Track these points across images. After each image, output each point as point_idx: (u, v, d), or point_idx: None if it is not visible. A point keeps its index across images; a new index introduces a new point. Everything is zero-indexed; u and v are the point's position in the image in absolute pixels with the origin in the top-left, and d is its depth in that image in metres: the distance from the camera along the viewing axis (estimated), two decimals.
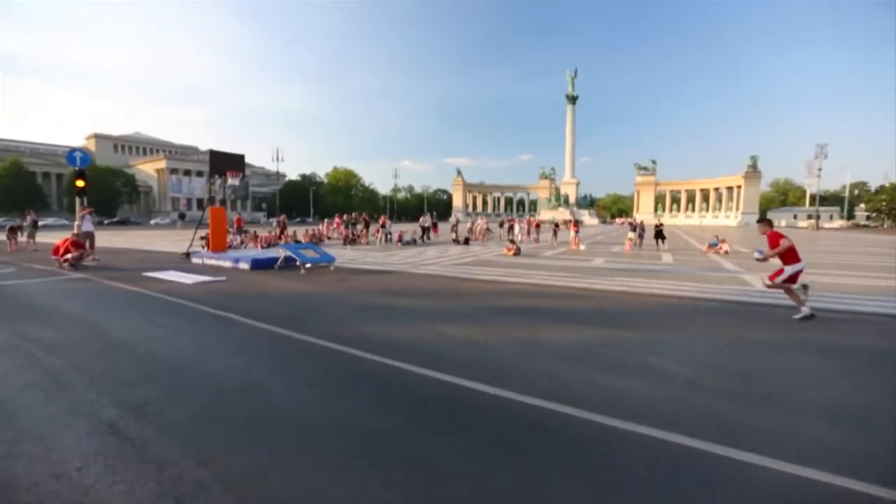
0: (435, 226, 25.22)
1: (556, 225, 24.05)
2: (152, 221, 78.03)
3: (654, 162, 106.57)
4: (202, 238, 17.07)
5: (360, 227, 23.10)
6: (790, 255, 6.40)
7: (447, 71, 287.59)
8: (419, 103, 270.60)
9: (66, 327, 5.52)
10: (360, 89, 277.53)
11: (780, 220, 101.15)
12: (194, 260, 12.75)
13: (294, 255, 10.83)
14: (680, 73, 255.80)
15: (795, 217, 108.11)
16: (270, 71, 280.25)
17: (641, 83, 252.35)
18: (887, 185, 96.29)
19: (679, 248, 21.20)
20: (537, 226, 25.35)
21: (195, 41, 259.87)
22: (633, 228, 20.65)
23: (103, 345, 4.72)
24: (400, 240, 21.12)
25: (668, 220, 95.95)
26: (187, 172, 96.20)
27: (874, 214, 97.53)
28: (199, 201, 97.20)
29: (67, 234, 13.11)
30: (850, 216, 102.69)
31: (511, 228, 26.59)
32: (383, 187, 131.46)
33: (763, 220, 7.16)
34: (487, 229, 26.54)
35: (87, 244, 12.88)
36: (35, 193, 77.74)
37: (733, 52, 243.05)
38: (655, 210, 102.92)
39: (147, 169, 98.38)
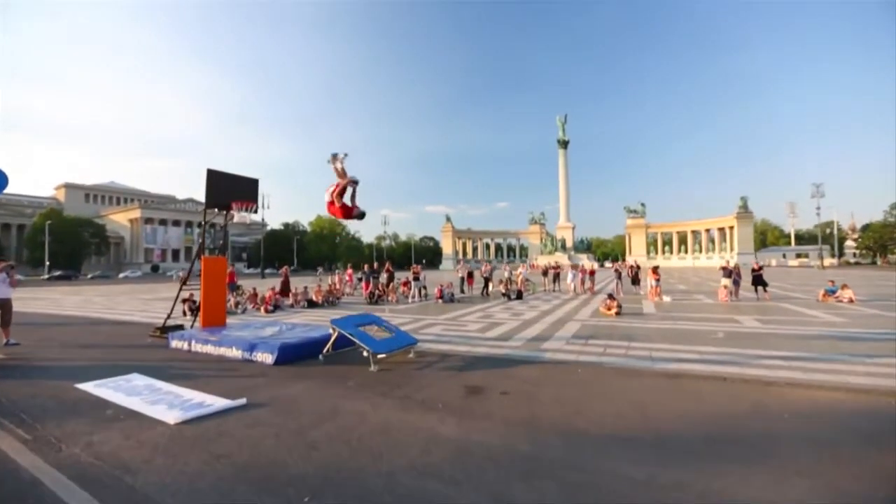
0: (470, 276, 20.82)
1: (618, 272, 19.98)
2: (121, 275, 70.94)
3: (643, 205, 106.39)
4: (184, 301, 12.22)
5: (382, 278, 18.48)
6: None
7: (423, 122, 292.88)
8: (396, 153, 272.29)
9: None
10: (339, 141, 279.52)
11: (770, 260, 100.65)
12: (174, 343, 7.86)
13: (357, 340, 6.20)
14: (653, 119, 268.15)
15: (784, 256, 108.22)
16: (251, 122, 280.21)
17: (614, 130, 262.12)
18: (872, 222, 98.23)
19: (782, 297, 17.31)
20: (591, 273, 21.21)
21: (175, 94, 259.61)
22: (728, 274, 16.67)
23: None
24: (440, 296, 16.55)
25: (660, 262, 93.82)
26: (163, 222, 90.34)
27: (863, 252, 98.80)
28: (175, 252, 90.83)
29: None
30: (841, 254, 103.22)
31: (557, 277, 22.45)
32: (366, 236, 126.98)
33: None
34: (527, 279, 22.32)
35: None
36: None
37: (696, 100, 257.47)
38: (648, 252, 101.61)
39: (119, 219, 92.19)
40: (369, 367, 6.07)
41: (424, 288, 17.90)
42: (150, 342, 8.54)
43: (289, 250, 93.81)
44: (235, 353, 6.80)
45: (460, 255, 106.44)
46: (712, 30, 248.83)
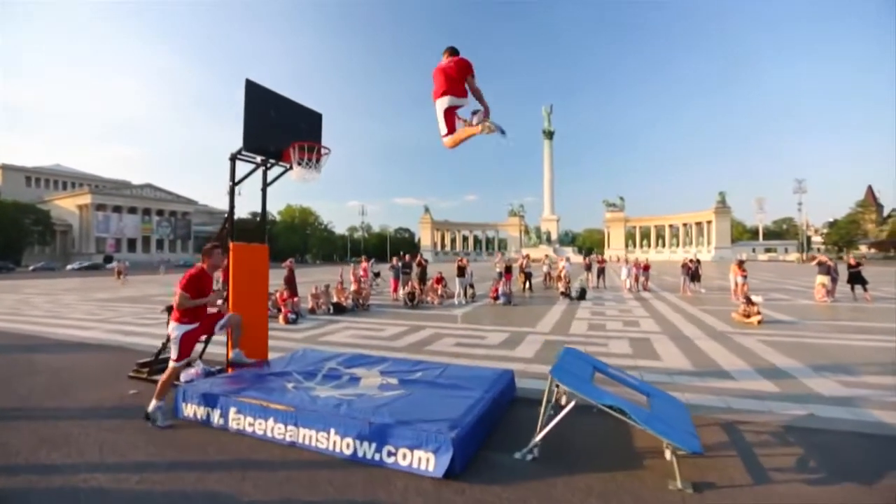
0: (508, 271, 17.52)
1: (688, 268, 17.18)
2: (69, 266, 63.30)
3: (622, 198, 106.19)
4: (167, 311, 8.24)
5: (415, 272, 14.89)
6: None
7: (392, 114, 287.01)
8: (365, 145, 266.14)
9: None
10: None
11: (742, 254, 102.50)
12: (189, 410, 4.07)
13: (647, 428, 2.80)
14: (621, 113, 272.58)
15: (754, 251, 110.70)
16: (215, 110, 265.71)
17: (582, 123, 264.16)
18: (839, 219, 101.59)
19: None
20: (646, 269, 18.40)
21: (138, 80, 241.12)
22: (826, 270, 14.23)
23: None
24: (496, 297, 13.19)
25: (638, 255, 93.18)
26: (117, 209, 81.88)
27: (830, 247, 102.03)
28: (131, 242, 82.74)
29: None
30: (809, 249, 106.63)
31: (602, 272, 19.53)
32: (338, 226, 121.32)
33: None
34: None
35: None
36: None
37: (652, 98, 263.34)
38: (626, 246, 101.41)
39: (67, 205, 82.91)
40: (671, 483, 2.70)
41: (472, 286, 14.47)
42: (134, 395, 4.76)
43: (257, 241, 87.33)
44: (341, 444, 3.19)
45: (438, 248, 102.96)
46: (689, 24, 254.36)
